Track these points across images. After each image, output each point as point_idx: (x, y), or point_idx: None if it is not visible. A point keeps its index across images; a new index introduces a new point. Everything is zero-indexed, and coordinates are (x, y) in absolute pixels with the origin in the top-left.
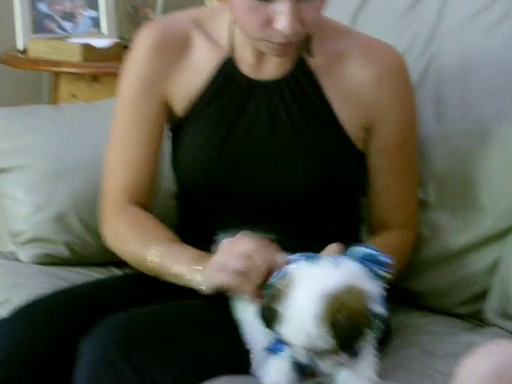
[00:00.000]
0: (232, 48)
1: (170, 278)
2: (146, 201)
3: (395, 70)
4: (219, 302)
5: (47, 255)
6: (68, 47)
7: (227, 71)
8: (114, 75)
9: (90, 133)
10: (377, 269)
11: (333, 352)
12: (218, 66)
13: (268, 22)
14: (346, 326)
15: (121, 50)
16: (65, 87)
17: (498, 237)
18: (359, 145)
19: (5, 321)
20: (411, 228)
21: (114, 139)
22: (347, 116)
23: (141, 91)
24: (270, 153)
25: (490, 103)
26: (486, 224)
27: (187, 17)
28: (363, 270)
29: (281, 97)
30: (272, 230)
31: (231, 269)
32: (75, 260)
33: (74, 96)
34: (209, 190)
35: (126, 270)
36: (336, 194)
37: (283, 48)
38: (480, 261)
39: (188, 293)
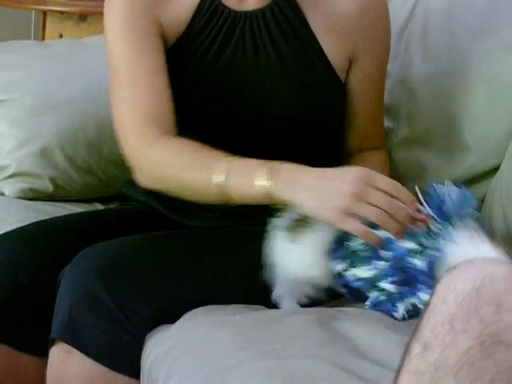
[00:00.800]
0: None
1: (238, 198)
2: (172, 129)
3: (376, 3)
4: (204, 234)
5: (31, 190)
6: None
7: (211, 4)
8: (100, 14)
9: (76, 68)
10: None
11: None
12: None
13: None
14: None
15: None
16: (52, 27)
17: (482, 177)
18: (342, 76)
19: None
20: (384, 149)
21: (117, 77)
22: (332, 47)
23: (132, 20)
24: (255, 83)
25: (476, 43)
26: (471, 163)
27: None
28: None
29: (265, 26)
30: None
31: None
32: (59, 195)
33: (60, 36)
34: (196, 123)
35: (111, 206)
36: (320, 125)
37: None
38: None
39: (172, 226)
